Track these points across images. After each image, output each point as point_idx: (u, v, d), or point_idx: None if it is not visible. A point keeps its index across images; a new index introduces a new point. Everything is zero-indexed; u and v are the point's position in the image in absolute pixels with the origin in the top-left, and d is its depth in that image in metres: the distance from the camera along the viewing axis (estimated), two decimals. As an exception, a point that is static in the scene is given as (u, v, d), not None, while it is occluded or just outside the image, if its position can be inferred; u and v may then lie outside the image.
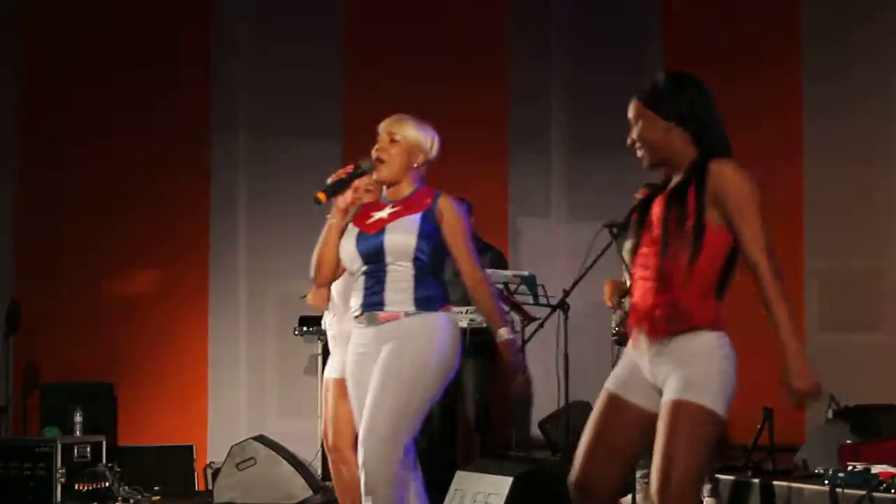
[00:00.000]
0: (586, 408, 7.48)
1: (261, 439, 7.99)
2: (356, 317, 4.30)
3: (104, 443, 8.11)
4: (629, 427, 3.45)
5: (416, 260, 4.21)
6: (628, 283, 5.80)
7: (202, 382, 9.07)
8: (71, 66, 9.24)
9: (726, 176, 3.30)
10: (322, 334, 7.83)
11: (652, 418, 3.36)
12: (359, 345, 4.30)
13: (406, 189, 4.37)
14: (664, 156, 3.46)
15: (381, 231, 4.26)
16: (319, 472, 8.01)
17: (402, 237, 4.23)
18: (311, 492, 7.72)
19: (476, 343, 7.15)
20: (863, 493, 5.32)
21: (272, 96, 9.39)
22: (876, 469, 5.68)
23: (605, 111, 9.19)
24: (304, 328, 8.35)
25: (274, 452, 7.85)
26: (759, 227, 3.28)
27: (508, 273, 7.10)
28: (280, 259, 9.06)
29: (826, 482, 5.81)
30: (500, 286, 6.76)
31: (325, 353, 7.65)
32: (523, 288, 6.82)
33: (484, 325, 7.10)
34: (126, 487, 7.94)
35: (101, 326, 8.70)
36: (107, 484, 7.91)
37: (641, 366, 3.43)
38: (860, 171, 8.78)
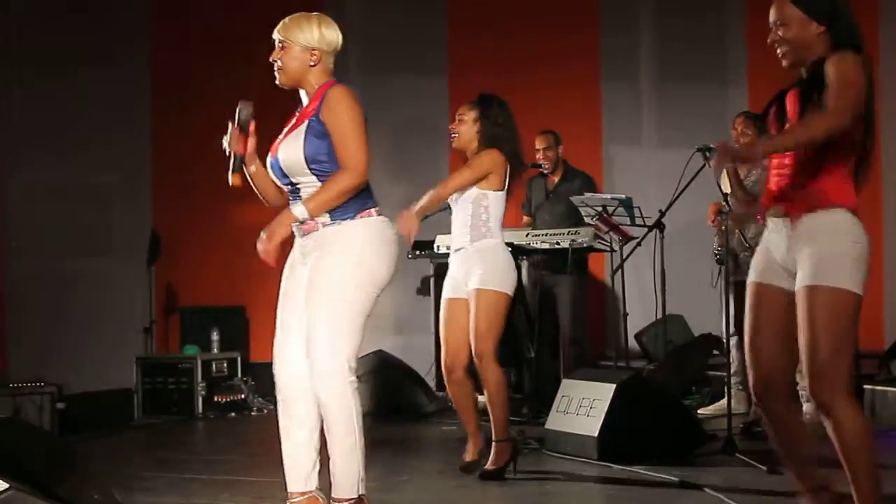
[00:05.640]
0: (680, 320, 7.88)
1: (379, 353, 8.34)
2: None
3: (239, 359, 8.78)
4: (780, 309, 3.50)
5: (315, 174, 4.01)
6: (725, 204, 6.18)
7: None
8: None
9: (833, 62, 3.36)
10: (434, 257, 8.17)
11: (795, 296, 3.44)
12: (295, 250, 4.20)
13: (310, 92, 4.12)
14: (805, 56, 3.47)
15: (278, 152, 4.10)
16: (433, 383, 8.36)
17: (289, 155, 4.03)
18: (428, 401, 8.11)
19: (575, 261, 7.53)
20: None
21: (380, 39, 9.77)
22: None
23: (693, 39, 9.48)
24: (417, 252, 8.41)
25: (393, 365, 8.26)
26: (847, 103, 3.28)
27: (607, 196, 7.37)
28: (392, 184, 9.45)
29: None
30: (599, 208, 7.08)
31: (437, 275, 7.99)
32: (620, 210, 7.09)
33: (584, 244, 7.49)
34: (260, 399, 8.54)
35: (232, 253, 9.12)
36: (242, 396, 8.57)
37: (775, 249, 3.51)
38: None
